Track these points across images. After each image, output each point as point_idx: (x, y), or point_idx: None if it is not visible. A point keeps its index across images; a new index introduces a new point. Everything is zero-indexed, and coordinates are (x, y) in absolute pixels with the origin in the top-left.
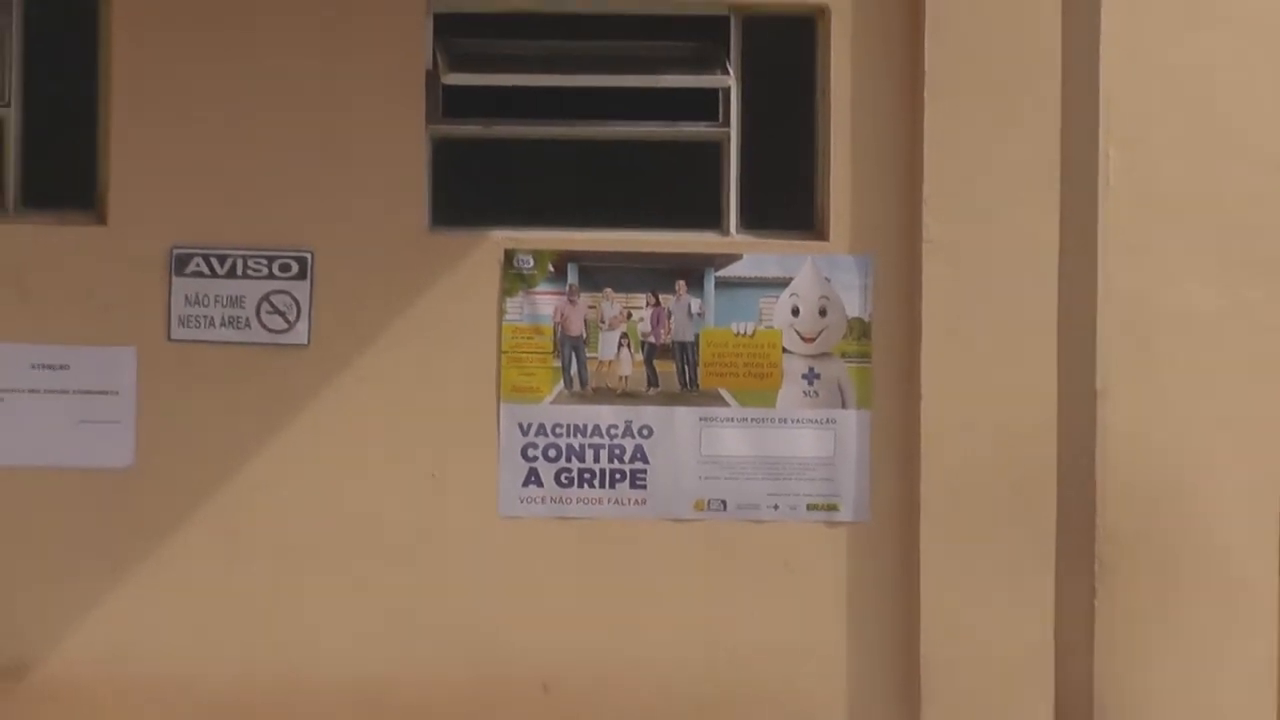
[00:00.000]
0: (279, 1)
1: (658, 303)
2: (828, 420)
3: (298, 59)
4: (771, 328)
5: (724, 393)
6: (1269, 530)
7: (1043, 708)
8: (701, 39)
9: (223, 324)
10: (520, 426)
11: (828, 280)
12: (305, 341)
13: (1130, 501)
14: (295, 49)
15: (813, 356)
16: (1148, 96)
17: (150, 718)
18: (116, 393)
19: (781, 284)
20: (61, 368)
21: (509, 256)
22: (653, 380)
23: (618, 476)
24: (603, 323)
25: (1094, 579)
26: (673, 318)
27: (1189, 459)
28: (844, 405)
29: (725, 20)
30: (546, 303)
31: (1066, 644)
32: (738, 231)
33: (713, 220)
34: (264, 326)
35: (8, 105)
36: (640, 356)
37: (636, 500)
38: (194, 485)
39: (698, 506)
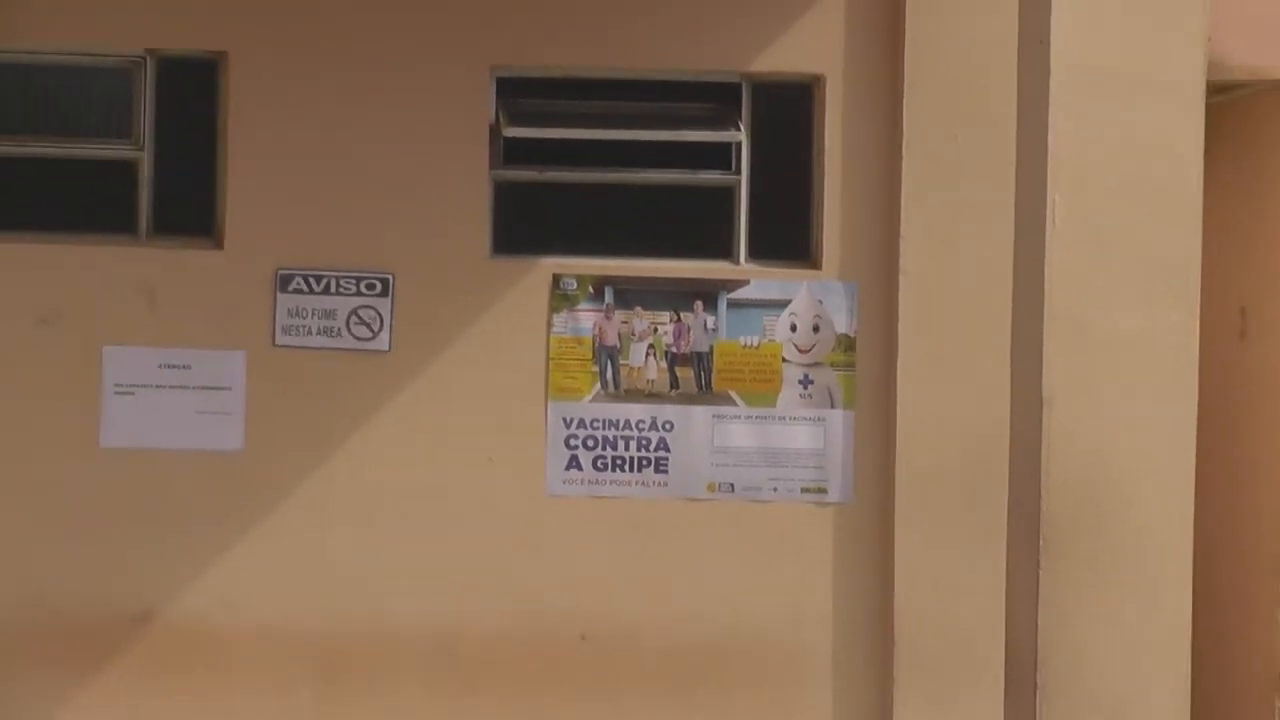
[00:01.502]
0: (369, 66)
1: (679, 319)
2: (819, 418)
3: (384, 113)
4: (773, 341)
5: (733, 394)
6: (1184, 516)
7: (995, 660)
8: (718, 101)
9: (318, 333)
10: (564, 420)
11: (820, 302)
12: (387, 348)
13: (1069, 492)
14: (382, 105)
15: (807, 365)
16: (1087, 153)
17: (253, 659)
18: (229, 389)
19: (782, 305)
20: (184, 368)
21: (556, 280)
22: (674, 383)
23: (644, 463)
24: (633, 335)
25: (1039, 555)
26: (691, 332)
27: (1118, 456)
28: (832, 406)
29: (738, 86)
30: (587, 318)
31: (1015, 608)
32: (746, 261)
33: (725, 251)
34: (352, 335)
35: (141, 149)
36: (664, 364)
37: (659, 483)
38: (293, 466)
39: (710, 488)
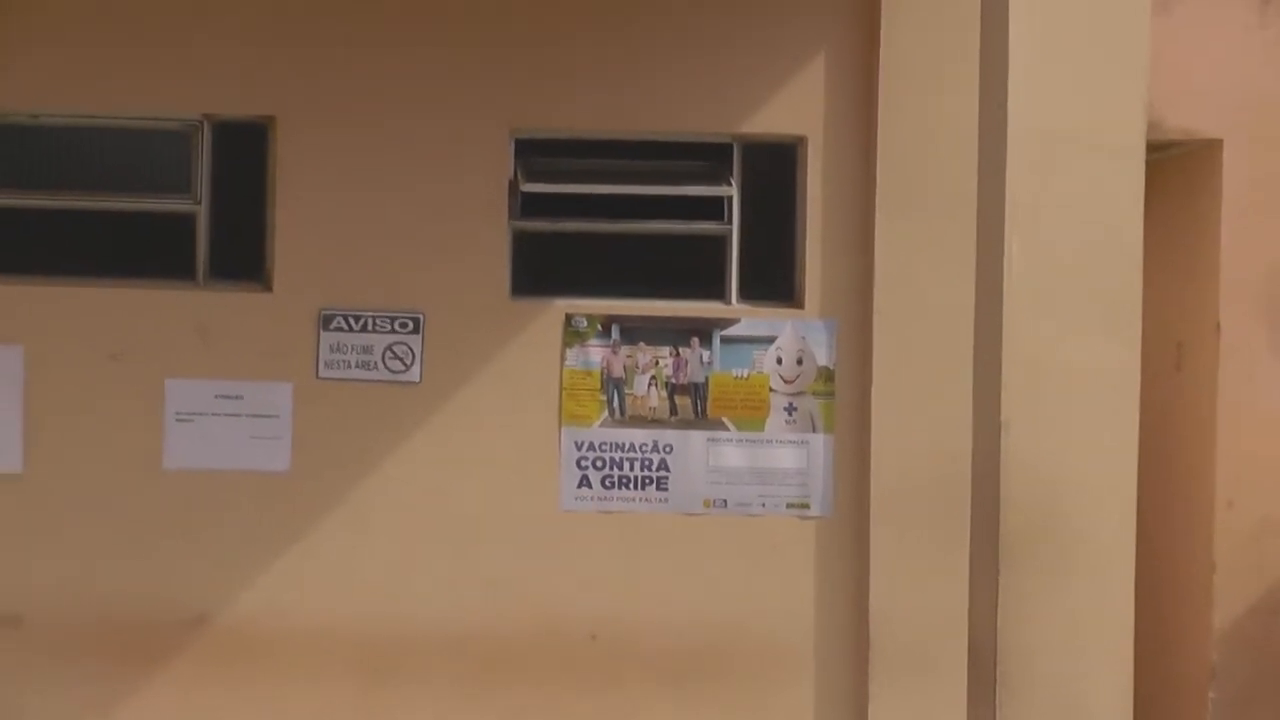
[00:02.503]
0: (403, 129)
1: (678, 353)
2: (802, 441)
3: (415, 171)
4: (761, 373)
5: (726, 420)
6: (1126, 527)
7: (959, 655)
8: (711, 160)
9: (357, 366)
10: (576, 444)
11: (803, 338)
12: (418, 380)
13: (1025, 506)
14: (414, 164)
15: (792, 394)
16: (1040, 205)
17: (298, 656)
18: (277, 416)
19: (769, 340)
20: (237, 398)
21: (568, 318)
22: (673, 410)
23: (647, 481)
24: (637, 368)
25: (998, 563)
26: (689, 364)
27: (1068, 475)
28: (814, 430)
29: (729, 146)
30: (596, 352)
31: (977, 609)
32: (737, 301)
33: (718, 293)
34: (387, 368)
35: (198, 203)
36: (665, 393)
37: (660, 499)
38: (334, 485)
39: (706, 504)
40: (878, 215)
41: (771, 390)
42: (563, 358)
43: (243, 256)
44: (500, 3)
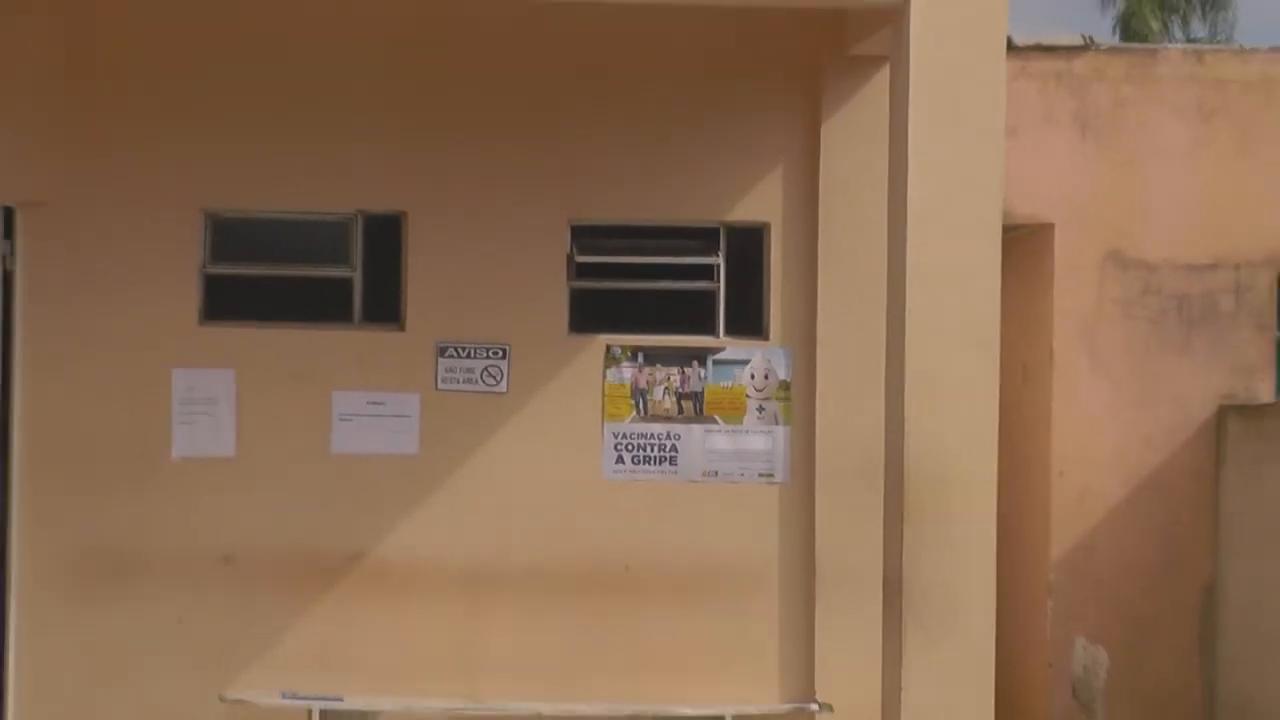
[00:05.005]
0: (493, 219)
1: (684, 371)
2: (769, 431)
3: (502, 247)
4: (740, 384)
5: (717, 417)
6: (989, 490)
7: (876, 578)
8: (705, 238)
9: (463, 381)
10: (613, 434)
11: (769, 361)
12: (505, 391)
13: (921, 476)
14: (501, 242)
15: (761, 399)
16: (930, 267)
17: (423, 581)
18: (409, 417)
19: (746, 362)
20: (381, 404)
21: (608, 348)
22: (680, 410)
23: (663, 459)
24: (656, 381)
25: (903, 514)
26: (691, 379)
27: (951, 455)
28: (777, 424)
29: (718, 229)
30: (627, 371)
31: (889, 546)
32: (724, 335)
33: (711, 329)
34: (484, 383)
35: (355, 270)
36: (674, 399)
37: (672, 471)
38: (448, 463)
39: (704, 475)
40: (819, 276)
41: (747, 396)
42: (604, 375)
43: (385, 307)
44: (561, 133)
